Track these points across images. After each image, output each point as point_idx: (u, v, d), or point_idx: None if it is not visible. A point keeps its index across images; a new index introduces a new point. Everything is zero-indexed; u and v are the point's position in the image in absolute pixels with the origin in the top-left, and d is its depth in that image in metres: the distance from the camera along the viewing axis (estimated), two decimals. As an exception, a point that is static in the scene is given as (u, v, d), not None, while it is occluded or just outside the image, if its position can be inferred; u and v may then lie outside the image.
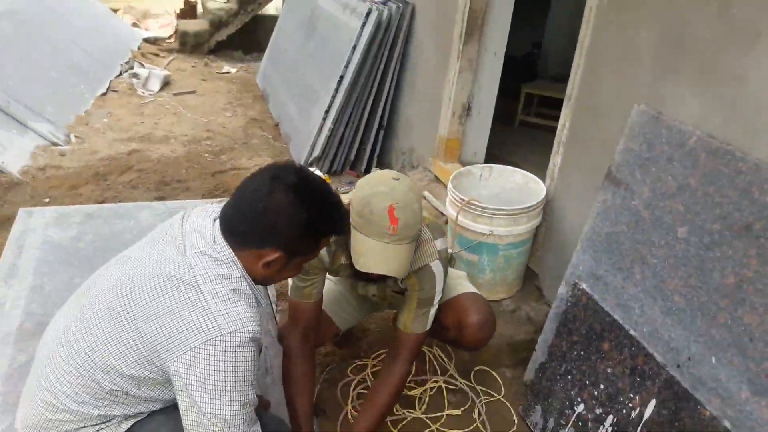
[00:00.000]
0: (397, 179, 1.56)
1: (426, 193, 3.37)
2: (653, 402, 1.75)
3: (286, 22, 5.63)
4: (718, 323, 1.65)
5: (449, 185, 2.43)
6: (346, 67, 3.80)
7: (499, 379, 2.36)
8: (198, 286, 1.22)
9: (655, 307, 1.84)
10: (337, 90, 3.84)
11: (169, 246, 1.29)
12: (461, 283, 2.07)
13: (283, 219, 1.25)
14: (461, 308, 1.97)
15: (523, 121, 5.06)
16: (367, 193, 1.53)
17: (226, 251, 1.27)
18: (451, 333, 2.00)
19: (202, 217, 1.33)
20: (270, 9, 7.62)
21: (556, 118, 4.93)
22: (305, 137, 4.13)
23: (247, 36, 7.09)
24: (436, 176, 3.54)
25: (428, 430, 2.08)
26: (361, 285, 1.92)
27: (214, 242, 1.28)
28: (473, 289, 2.06)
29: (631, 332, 1.87)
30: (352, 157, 4.09)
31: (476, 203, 2.32)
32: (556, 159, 2.49)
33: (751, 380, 1.54)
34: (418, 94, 3.78)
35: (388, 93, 3.94)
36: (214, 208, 1.38)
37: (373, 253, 1.51)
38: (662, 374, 1.74)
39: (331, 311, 2.04)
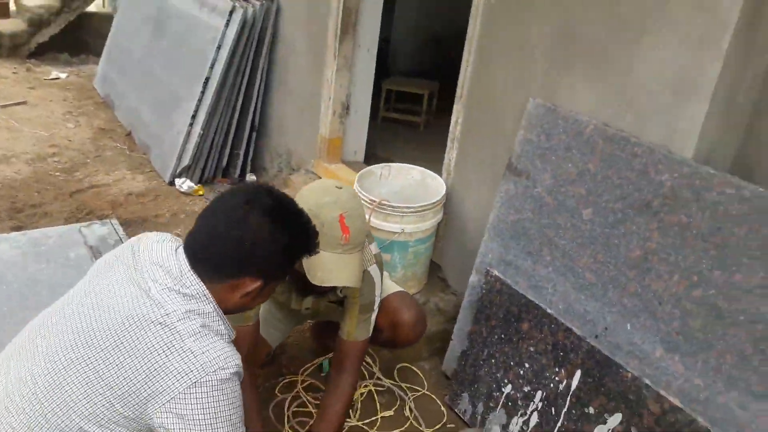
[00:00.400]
0: (340, 187, 1.53)
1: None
2: (578, 372, 1.90)
3: (126, 20, 5.17)
4: (629, 293, 1.83)
5: (356, 187, 2.42)
6: (212, 67, 3.60)
7: (420, 373, 2.41)
8: (172, 326, 1.10)
9: (567, 284, 2.00)
10: (203, 93, 3.62)
11: (128, 284, 1.14)
12: (386, 283, 2.08)
13: (263, 246, 1.17)
14: (392, 308, 1.97)
15: (384, 117, 5.17)
16: (313, 204, 1.48)
17: (196, 285, 1.15)
18: (385, 334, 2.00)
19: (160, 247, 1.19)
20: (91, 7, 6.93)
21: (414, 113, 5.18)
22: (169, 145, 3.84)
23: (72, 36, 6.39)
24: (320, 177, 3.50)
25: (366, 435, 2.08)
26: (295, 299, 1.85)
27: (182, 276, 1.15)
28: (400, 288, 2.08)
29: (548, 310, 2.00)
30: (224, 163, 3.89)
31: (386, 203, 2.33)
32: (451, 154, 2.58)
33: (663, 339, 1.74)
34: (292, 93, 3.69)
35: (258, 94, 3.80)
36: (166, 236, 1.24)
37: (329, 266, 1.47)
38: (583, 346, 1.89)
39: (262, 330, 1.94)
